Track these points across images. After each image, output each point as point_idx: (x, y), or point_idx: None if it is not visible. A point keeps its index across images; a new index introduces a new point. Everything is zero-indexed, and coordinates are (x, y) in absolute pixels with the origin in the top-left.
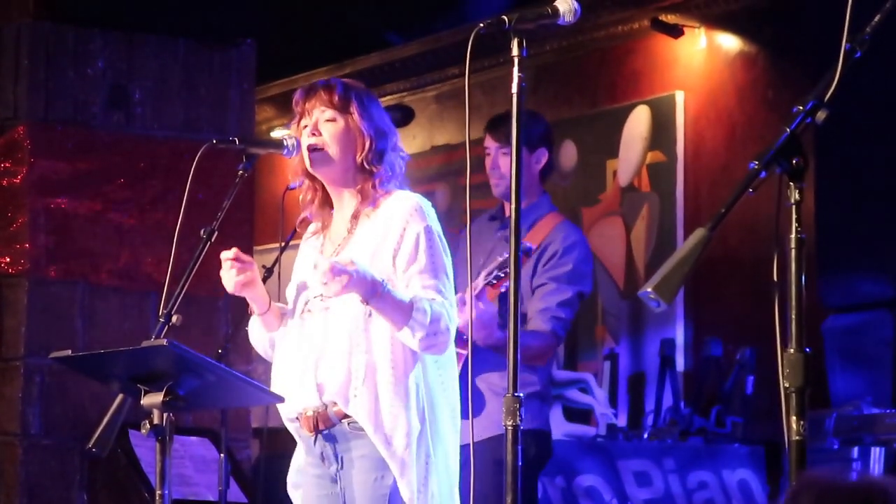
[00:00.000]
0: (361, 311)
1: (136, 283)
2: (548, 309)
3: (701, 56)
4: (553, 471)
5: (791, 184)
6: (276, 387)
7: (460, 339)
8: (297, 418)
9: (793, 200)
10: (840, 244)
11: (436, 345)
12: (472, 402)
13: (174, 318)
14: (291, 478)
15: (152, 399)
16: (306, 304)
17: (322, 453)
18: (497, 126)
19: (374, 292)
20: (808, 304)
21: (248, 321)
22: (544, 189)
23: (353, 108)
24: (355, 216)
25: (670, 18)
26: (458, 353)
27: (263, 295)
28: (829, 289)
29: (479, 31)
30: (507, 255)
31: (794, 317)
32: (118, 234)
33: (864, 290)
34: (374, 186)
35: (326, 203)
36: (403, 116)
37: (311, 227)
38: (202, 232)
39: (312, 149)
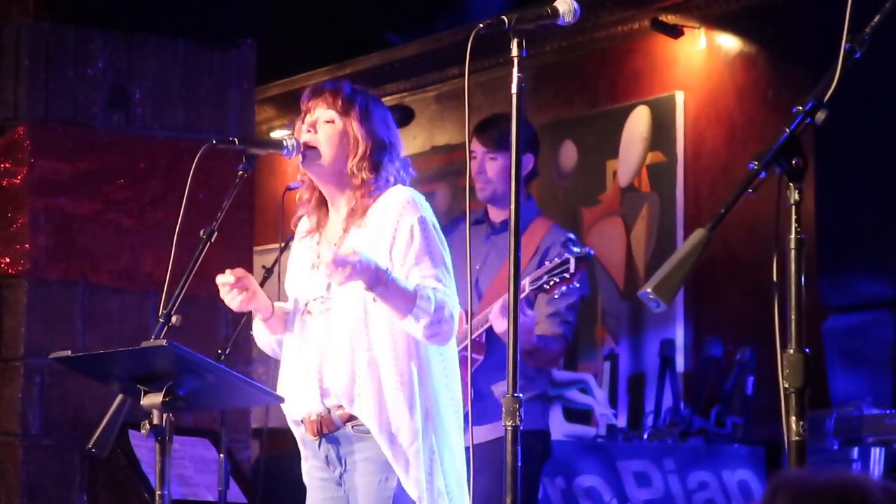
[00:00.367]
0: (360, 310)
1: (136, 284)
2: (557, 313)
3: (701, 56)
4: (553, 471)
5: (791, 184)
6: (281, 390)
7: (477, 344)
8: (301, 421)
9: (792, 201)
10: (840, 244)
11: (439, 333)
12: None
13: (174, 319)
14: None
15: (152, 399)
16: (306, 305)
17: (327, 457)
18: (485, 130)
19: (378, 280)
20: (808, 304)
21: (248, 322)
22: (529, 193)
23: (354, 114)
24: (350, 216)
25: (670, 19)
26: (473, 358)
27: (266, 302)
28: (829, 289)
29: (479, 32)
30: (559, 260)
31: (793, 317)
32: (118, 234)
33: (864, 291)
34: (363, 196)
35: (323, 203)
36: (403, 117)
37: (305, 227)
38: (202, 232)
39: (305, 146)
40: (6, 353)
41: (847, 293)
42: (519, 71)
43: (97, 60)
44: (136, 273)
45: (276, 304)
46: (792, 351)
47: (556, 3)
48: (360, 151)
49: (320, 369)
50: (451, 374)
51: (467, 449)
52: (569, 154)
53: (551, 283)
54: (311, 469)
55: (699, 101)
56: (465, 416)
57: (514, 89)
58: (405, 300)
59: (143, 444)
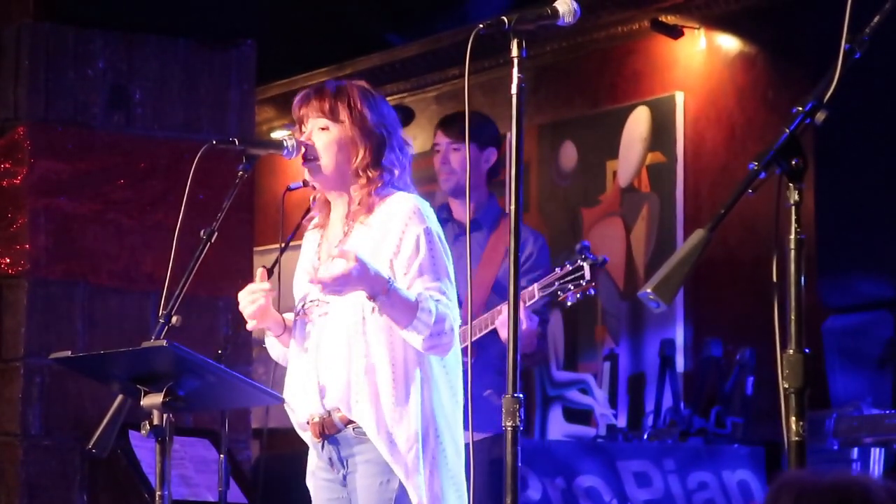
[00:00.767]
0: (358, 316)
1: (136, 284)
2: (537, 311)
3: (701, 57)
4: (553, 471)
5: (790, 184)
6: (286, 394)
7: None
8: (307, 423)
9: (792, 201)
10: (840, 244)
11: (439, 345)
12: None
13: (174, 319)
14: (307, 479)
15: (152, 400)
16: (303, 307)
17: (330, 458)
18: (450, 122)
19: (380, 289)
20: (808, 304)
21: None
22: (492, 191)
23: (345, 116)
24: (351, 218)
25: (670, 19)
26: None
27: (277, 318)
28: (828, 289)
29: (479, 32)
30: (571, 266)
31: (793, 317)
32: (118, 234)
33: (864, 291)
34: (369, 193)
35: (327, 202)
36: (404, 117)
37: (315, 220)
38: (202, 233)
39: (305, 158)
40: (6, 353)
41: (847, 293)
42: (519, 71)
43: (97, 61)
44: (136, 273)
45: (285, 315)
46: (792, 351)
47: (556, 4)
48: (361, 153)
49: (319, 372)
50: (453, 379)
51: (466, 446)
52: (569, 154)
53: (567, 289)
54: (317, 470)
55: (699, 101)
56: (466, 414)
57: (514, 90)
58: (407, 311)
59: (143, 445)
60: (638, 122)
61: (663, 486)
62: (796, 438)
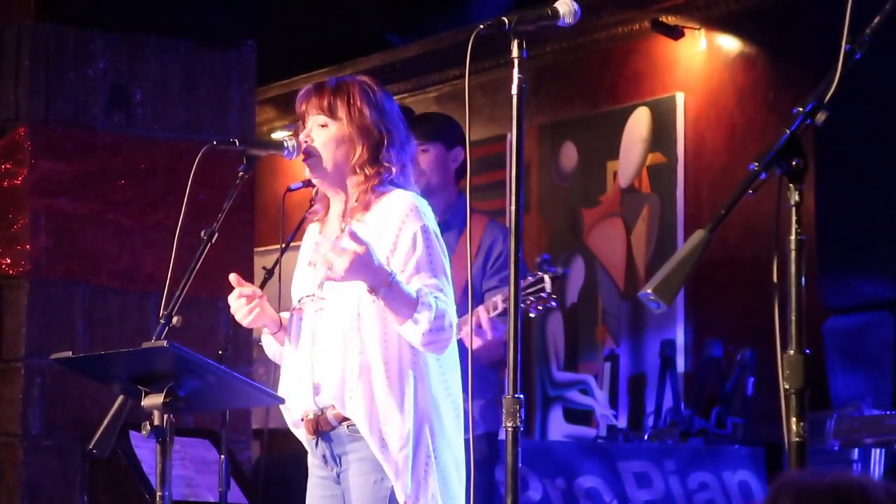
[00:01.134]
0: (354, 312)
1: (137, 284)
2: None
3: (701, 57)
4: (553, 472)
5: (791, 185)
6: (281, 391)
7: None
8: (301, 420)
9: (793, 202)
10: (840, 245)
11: (438, 341)
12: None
13: (174, 320)
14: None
15: (153, 400)
16: (299, 302)
17: (324, 455)
18: (417, 123)
19: (382, 281)
20: (809, 305)
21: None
22: (460, 190)
23: (343, 113)
24: (349, 215)
25: (671, 20)
26: None
27: (273, 316)
28: (829, 290)
29: (480, 33)
30: (533, 279)
31: (794, 318)
32: (119, 235)
33: (865, 291)
34: (366, 191)
35: (326, 198)
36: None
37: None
38: (203, 233)
39: (305, 154)
40: (7, 353)
41: (847, 294)
42: (519, 72)
43: (98, 61)
44: (136, 274)
45: (282, 314)
46: (792, 352)
47: (556, 5)
48: (358, 150)
49: (313, 369)
50: (449, 379)
51: (466, 441)
52: (569, 155)
53: (528, 301)
54: (312, 467)
55: (699, 102)
56: (466, 414)
57: (514, 90)
58: (407, 305)
59: (143, 445)
60: (638, 123)
61: (664, 487)
62: (797, 439)
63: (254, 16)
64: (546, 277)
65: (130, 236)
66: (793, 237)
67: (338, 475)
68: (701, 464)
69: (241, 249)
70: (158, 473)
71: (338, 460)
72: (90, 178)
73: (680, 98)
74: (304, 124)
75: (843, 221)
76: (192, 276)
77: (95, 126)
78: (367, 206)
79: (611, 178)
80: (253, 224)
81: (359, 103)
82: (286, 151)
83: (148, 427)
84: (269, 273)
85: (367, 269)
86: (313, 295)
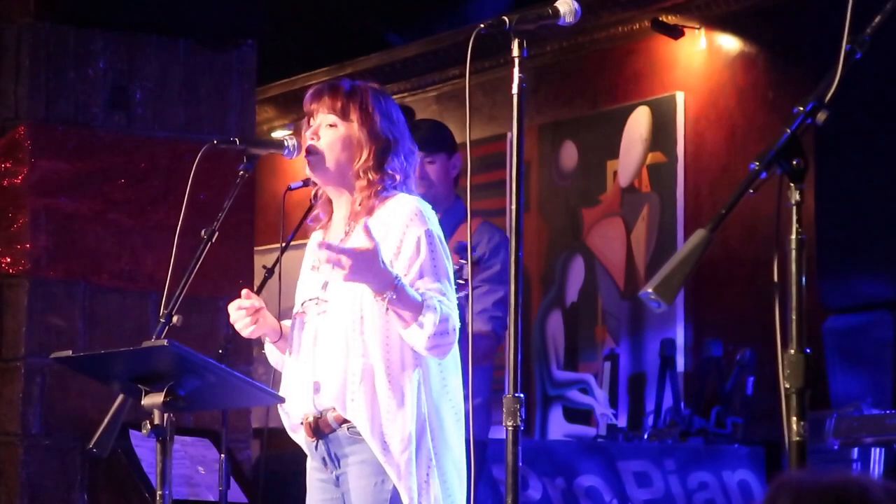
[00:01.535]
0: (357, 315)
1: (137, 284)
2: (485, 310)
3: (701, 57)
4: (553, 471)
5: (791, 185)
6: (281, 394)
7: None
8: (300, 424)
9: (793, 201)
10: (840, 245)
11: (441, 345)
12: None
13: (175, 319)
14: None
15: (153, 399)
16: (302, 305)
17: (323, 458)
18: (415, 133)
19: (388, 284)
20: (809, 304)
21: None
22: (458, 194)
23: (355, 116)
24: (353, 219)
25: (671, 19)
26: None
27: (274, 325)
28: (829, 289)
29: (480, 32)
30: (457, 268)
31: (794, 317)
32: (119, 234)
33: (865, 291)
34: (370, 196)
35: (330, 202)
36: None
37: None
38: (203, 232)
39: (308, 151)
40: (6, 353)
41: (847, 294)
42: (520, 71)
43: (98, 61)
44: (136, 273)
45: (283, 322)
46: (792, 351)
47: (556, 4)
48: (364, 154)
49: (314, 372)
50: (450, 383)
51: (467, 441)
52: (569, 154)
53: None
54: (311, 470)
55: (699, 101)
56: (466, 414)
57: (514, 90)
58: (412, 308)
59: (143, 445)
60: (638, 122)
61: (663, 486)
62: (797, 439)
63: (254, 16)
64: (465, 265)
65: (130, 236)
66: (793, 237)
67: (337, 478)
68: (701, 463)
69: (242, 249)
70: (158, 473)
71: (337, 462)
72: (90, 178)
73: (680, 97)
74: (308, 122)
75: (843, 221)
76: (193, 275)
77: (95, 126)
78: (370, 211)
79: (611, 177)
80: (253, 223)
81: (370, 109)
82: (286, 151)
83: (148, 426)
84: (270, 272)
85: (374, 270)
86: (317, 298)
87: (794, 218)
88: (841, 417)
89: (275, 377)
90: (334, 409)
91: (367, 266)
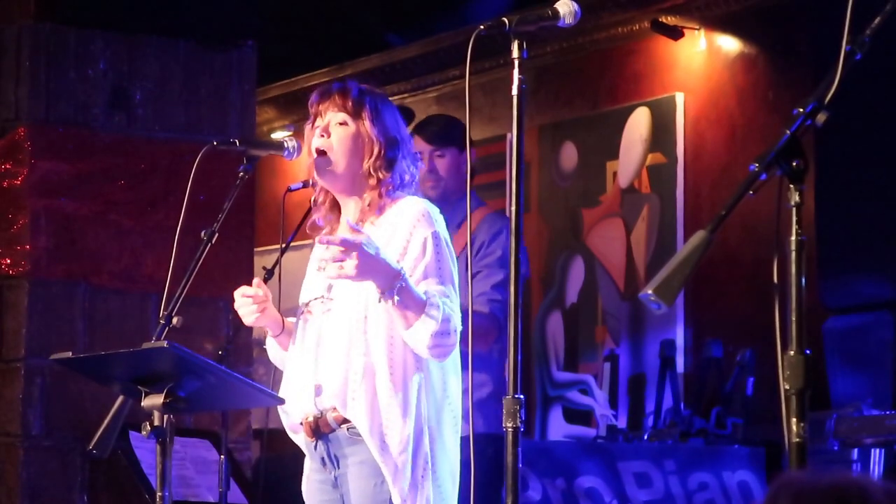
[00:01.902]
0: (360, 314)
1: (137, 285)
2: (483, 293)
3: (701, 57)
4: (553, 472)
5: (791, 186)
6: (282, 393)
7: None
8: (300, 424)
9: (793, 202)
10: (840, 245)
11: (442, 346)
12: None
13: (175, 320)
14: (303, 484)
15: (153, 401)
16: (307, 305)
17: (322, 458)
18: (427, 128)
19: (392, 281)
20: (809, 305)
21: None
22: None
23: (366, 114)
24: (361, 219)
25: (670, 20)
26: None
27: (276, 317)
28: (829, 290)
29: (480, 33)
30: None
31: (794, 318)
32: (119, 235)
33: (865, 292)
34: (380, 195)
35: (336, 207)
36: (404, 118)
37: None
38: (203, 233)
39: (319, 152)
40: (7, 354)
41: (847, 294)
42: (520, 72)
43: (98, 61)
44: (136, 274)
45: (287, 319)
46: (793, 352)
47: (556, 5)
48: (375, 152)
49: (317, 370)
50: (450, 386)
51: (465, 439)
52: (569, 155)
53: None
54: (310, 471)
55: (699, 102)
56: (465, 413)
57: (514, 91)
58: (416, 307)
59: (143, 446)
60: (638, 123)
61: (663, 487)
62: (797, 440)
63: (254, 16)
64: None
65: (131, 236)
66: (793, 238)
67: (336, 478)
68: (701, 464)
69: (242, 249)
70: (158, 474)
71: (336, 463)
72: (90, 179)
73: (680, 98)
74: (314, 123)
75: (842, 222)
76: (193, 276)
77: (96, 126)
78: (381, 210)
79: (611, 178)
80: (253, 224)
81: (380, 109)
82: (286, 152)
83: (148, 427)
84: (269, 273)
85: (377, 267)
86: (322, 297)
87: (794, 219)
88: (841, 418)
89: (275, 378)
90: (335, 408)
91: (370, 264)
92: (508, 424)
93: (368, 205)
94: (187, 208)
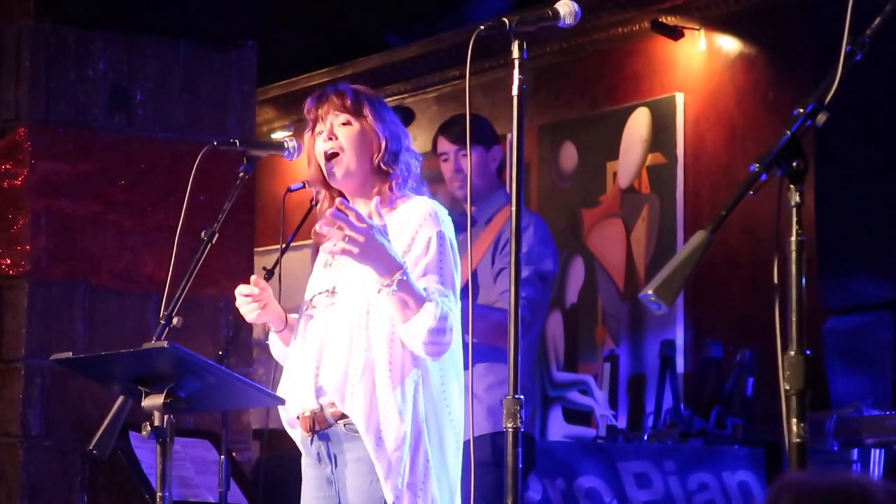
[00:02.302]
0: (363, 310)
1: (137, 285)
2: (507, 291)
3: (701, 58)
4: (553, 472)
5: (791, 186)
6: (281, 390)
7: None
8: (297, 418)
9: (793, 203)
10: (840, 246)
11: (437, 343)
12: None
13: (175, 320)
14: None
15: (153, 401)
16: (311, 300)
17: (318, 454)
18: (451, 128)
19: (391, 269)
20: (809, 306)
21: (250, 324)
22: (501, 183)
23: (367, 111)
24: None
25: (670, 20)
26: None
27: (279, 313)
28: (829, 291)
29: (480, 34)
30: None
31: (794, 319)
32: (119, 235)
33: (864, 292)
34: (391, 188)
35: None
36: (404, 118)
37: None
38: (203, 234)
39: (329, 155)
40: (7, 354)
41: (847, 295)
42: (520, 73)
43: (98, 62)
44: (136, 274)
45: (290, 315)
46: (793, 353)
47: (556, 5)
48: (383, 146)
49: (318, 365)
50: (448, 388)
51: (466, 443)
52: (569, 155)
53: None
54: (306, 467)
55: (699, 102)
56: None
57: (514, 91)
58: (415, 301)
59: (143, 446)
60: (638, 123)
61: (663, 487)
62: (797, 440)
63: (254, 16)
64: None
65: (131, 237)
66: (793, 238)
67: (331, 473)
68: (701, 464)
69: (242, 250)
70: (158, 474)
71: (332, 459)
72: (90, 179)
73: (680, 98)
74: (314, 129)
75: (842, 222)
76: (193, 276)
77: (96, 126)
78: (392, 203)
79: (610, 178)
80: (253, 224)
81: (377, 105)
82: (286, 152)
83: (148, 428)
84: (270, 273)
85: (381, 254)
86: (326, 291)
87: (794, 219)
88: (841, 418)
89: (274, 378)
90: (333, 404)
91: (372, 245)
92: (509, 424)
93: (381, 199)
94: (187, 209)
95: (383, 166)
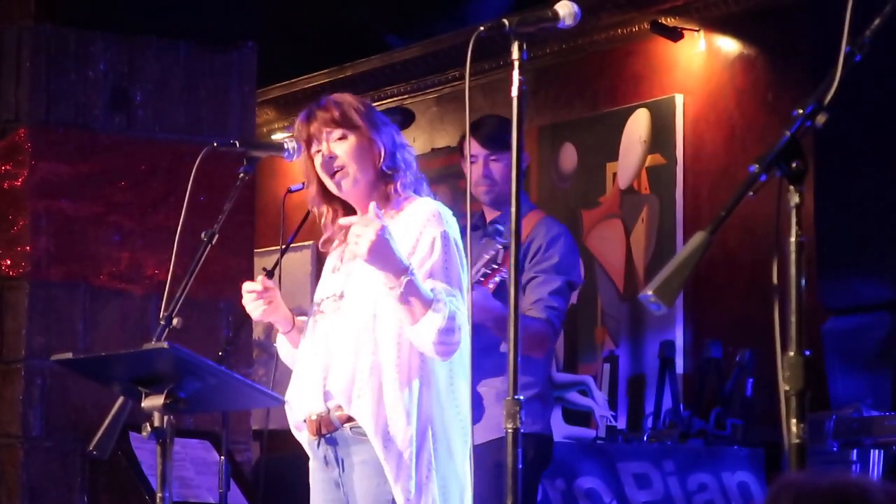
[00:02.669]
0: (370, 313)
1: (138, 286)
2: (540, 300)
3: (700, 59)
4: (553, 473)
5: (791, 187)
6: (289, 394)
7: None
8: (304, 422)
9: (793, 204)
10: (840, 246)
11: (447, 343)
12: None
13: (175, 321)
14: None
15: (153, 402)
16: (319, 305)
17: (325, 457)
18: (481, 131)
19: (399, 271)
20: (808, 306)
21: (250, 325)
22: (524, 189)
23: (358, 121)
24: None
25: (670, 21)
26: None
27: (286, 314)
28: (828, 291)
29: (480, 35)
30: (494, 252)
31: (793, 319)
32: (119, 236)
33: (864, 293)
34: (396, 190)
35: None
36: (404, 119)
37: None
38: (203, 235)
39: (334, 174)
40: (7, 355)
41: (846, 295)
42: (520, 74)
43: (98, 63)
44: (137, 275)
45: (299, 318)
46: (792, 353)
47: (556, 6)
48: (382, 151)
49: (325, 368)
50: (457, 388)
51: (489, 445)
52: (569, 156)
53: (484, 273)
54: (313, 471)
55: (699, 103)
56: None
57: (514, 92)
58: (422, 303)
59: (143, 447)
60: (638, 124)
61: (663, 488)
62: (797, 441)
63: (254, 17)
64: (501, 249)
65: (131, 238)
66: (793, 239)
67: (338, 477)
68: (700, 465)
69: (242, 251)
70: (158, 475)
71: (340, 463)
72: (91, 180)
73: (679, 99)
74: (309, 149)
75: (842, 222)
76: (193, 277)
77: (96, 127)
78: (398, 205)
79: (610, 179)
80: (253, 225)
81: (364, 109)
82: (286, 153)
83: (148, 428)
84: (270, 274)
85: (389, 256)
86: (334, 295)
87: (794, 220)
88: (840, 419)
89: (275, 379)
90: (340, 407)
91: (382, 248)
92: (508, 426)
93: (386, 202)
94: (187, 209)
95: (386, 170)
